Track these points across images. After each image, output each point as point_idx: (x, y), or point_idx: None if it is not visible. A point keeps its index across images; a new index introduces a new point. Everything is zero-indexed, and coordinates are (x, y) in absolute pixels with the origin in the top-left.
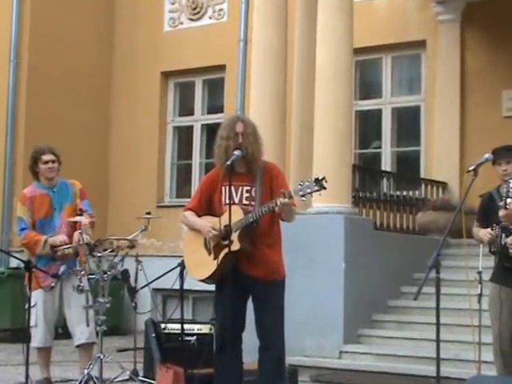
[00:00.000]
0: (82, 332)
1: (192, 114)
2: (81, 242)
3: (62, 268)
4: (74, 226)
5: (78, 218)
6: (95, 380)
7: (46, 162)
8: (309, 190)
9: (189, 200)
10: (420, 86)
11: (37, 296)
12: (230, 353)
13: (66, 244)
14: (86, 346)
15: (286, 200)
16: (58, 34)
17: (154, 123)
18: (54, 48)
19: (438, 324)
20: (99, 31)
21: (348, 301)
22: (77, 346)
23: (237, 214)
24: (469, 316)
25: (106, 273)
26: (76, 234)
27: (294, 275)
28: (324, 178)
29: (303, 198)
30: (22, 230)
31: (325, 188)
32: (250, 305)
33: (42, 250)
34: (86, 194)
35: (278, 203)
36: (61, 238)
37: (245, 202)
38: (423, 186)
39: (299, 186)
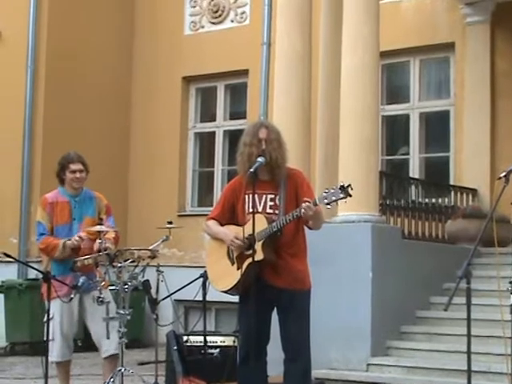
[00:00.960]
0: (109, 343)
1: (214, 119)
2: (101, 253)
3: (82, 279)
4: (93, 238)
5: (98, 228)
6: None
7: (74, 172)
8: (334, 198)
9: (211, 209)
10: (449, 89)
11: (54, 307)
12: (254, 366)
13: (86, 246)
14: (113, 358)
15: (312, 206)
16: (77, 39)
17: (175, 129)
18: (72, 54)
19: (468, 335)
20: (118, 36)
21: (375, 311)
22: (105, 358)
23: (260, 223)
24: (500, 327)
25: (126, 284)
26: (97, 244)
27: (320, 285)
28: (350, 186)
29: (328, 206)
30: (41, 235)
31: (350, 195)
32: (274, 316)
33: (62, 253)
34: (112, 210)
35: (303, 210)
36: (76, 236)
37: (269, 210)
38: (452, 193)
39: (324, 194)
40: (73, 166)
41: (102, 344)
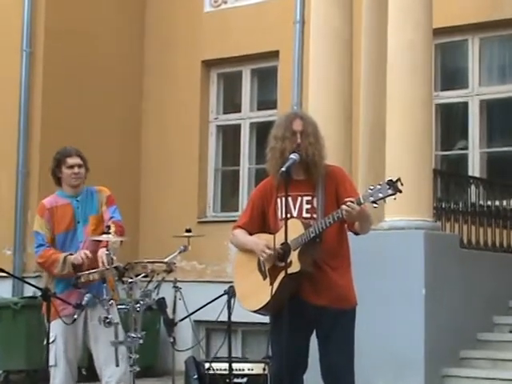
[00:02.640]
0: (112, 373)
1: (239, 110)
2: (108, 266)
3: (87, 297)
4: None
5: (104, 237)
6: None
7: (72, 167)
8: (381, 195)
9: (236, 214)
10: None
11: (56, 328)
12: None
13: (90, 260)
14: None
15: (355, 205)
16: (80, 17)
17: (193, 122)
18: (73, 34)
19: None
20: (128, 14)
21: (430, 334)
22: None
23: (296, 229)
24: None
25: (138, 302)
26: (102, 255)
27: (364, 303)
28: (399, 180)
29: (375, 205)
30: (39, 246)
31: (400, 191)
32: (313, 339)
33: (62, 270)
34: (115, 200)
35: (345, 211)
36: (82, 254)
37: (305, 214)
38: None
39: (369, 191)
40: (70, 160)
41: (104, 373)
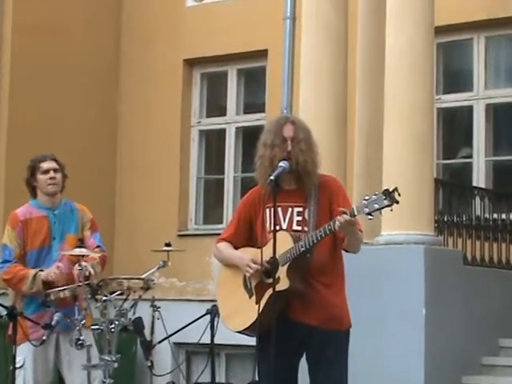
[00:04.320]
0: None
1: (224, 114)
2: (81, 283)
3: (57, 316)
4: (74, 261)
5: (77, 251)
6: None
7: (47, 171)
8: (377, 206)
9: (221, 227)
10: None
11: (24, 352)
12: None
13: (64, 278)
14: None
15: (348, 217)
16: (50, 10)
17: (174, 126)
18: (44, 29)
19: None
20: (104, 7)
21: (430, 359)
22: None
23: (285, 243)
24: None
25: (113, 322)
26: (75, 272)
27: (359, 325)
28: (396, 190)
29: (370, 217)
30: (5, 262)
31: (397, 202)
32: (303, 363)
33: (31, 287)
34: (98, 226)
35: (337, 222)
36: (55, 269)
37: (296, 227)
38: None
39: (364, 202)
40: (45, 165)
41: None
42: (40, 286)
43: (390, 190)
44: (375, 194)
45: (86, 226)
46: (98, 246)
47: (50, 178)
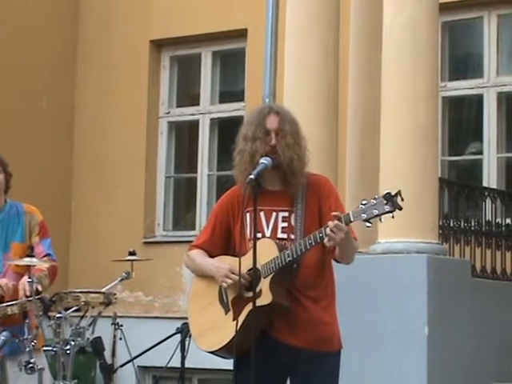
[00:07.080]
0: None
1: (197, 103)
2: (31, 297)
3: (3, 336)
4: (22, 272)
5: (26, 261)
6: None
7: None
8: (376, 212)
9: (193, 234)
10: None
11: None
12: None
13: (10, 292)
14: None
15: (341, 224)
16: None
17: (139, 117)
18: None
19: None
20: None
21: (433, 382)
22: None
23: (268, 252)
24: None
25: (68, 343)
26: (23, 285)
27: (353, 345)
28: (399, 193)
29: (368, 224)
30: None
31: (400, 208)
32: None
33: None
34: (48, 230)
35: (329, 230)
36: (1, 281)
37: (280, 234)
38: None
39: (362, 206)
40: None
41: None
42: None
43: (392, 193)
44: (375, 198)
45: (34, 230)
46: (47, 255)
47: None
